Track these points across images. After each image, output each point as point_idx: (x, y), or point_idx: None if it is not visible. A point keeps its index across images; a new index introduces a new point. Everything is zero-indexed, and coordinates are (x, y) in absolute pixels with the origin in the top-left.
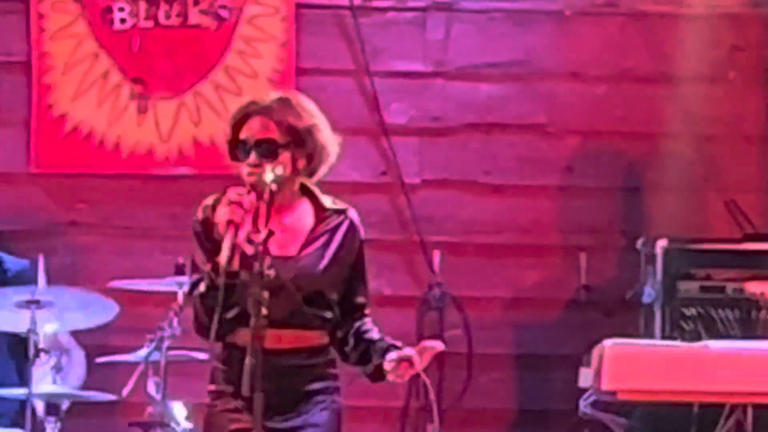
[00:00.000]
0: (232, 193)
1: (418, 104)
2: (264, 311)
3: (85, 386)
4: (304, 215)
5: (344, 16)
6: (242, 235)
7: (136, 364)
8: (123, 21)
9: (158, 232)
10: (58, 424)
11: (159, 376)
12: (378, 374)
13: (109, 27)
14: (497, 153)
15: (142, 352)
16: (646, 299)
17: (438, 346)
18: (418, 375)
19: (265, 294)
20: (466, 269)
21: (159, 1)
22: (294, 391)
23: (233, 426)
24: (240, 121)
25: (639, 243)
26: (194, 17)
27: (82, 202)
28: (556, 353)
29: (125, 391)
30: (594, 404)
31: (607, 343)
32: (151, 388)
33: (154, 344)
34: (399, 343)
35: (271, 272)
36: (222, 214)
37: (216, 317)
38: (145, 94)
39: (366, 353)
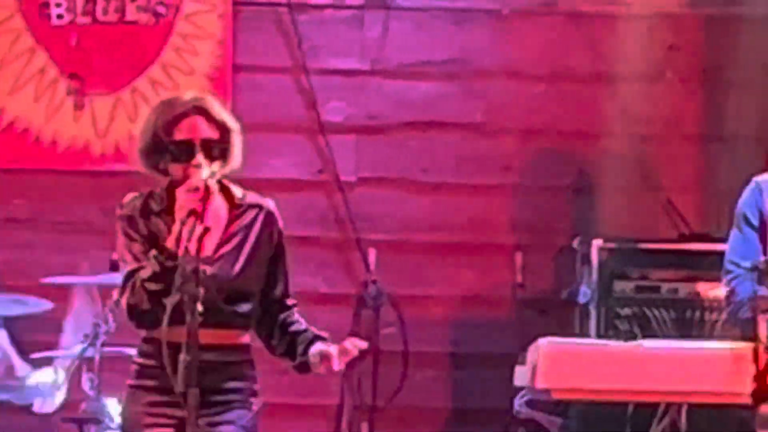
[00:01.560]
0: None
1: (355, 102)
2: (199, 307)
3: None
4: (218, 211)
5: (282, 13)
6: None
7: (70, 360)
8: (60, 17)
9: (94, 227)
10: None
11: (93, 372)
12: (304, 367)
13: (47, 22)
14: (435, 151)
15: (77, 349)
16: (581, 298)
17: (361, 345)
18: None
19: (201, 290)
20: (402, 267)
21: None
22: (210, 388)
23: (148, 420)
24: (173, 119)
25: (575, 242)
26: (132, 14)
27: (18, 197)
28: (492, 352)
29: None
30: (529, 403)
31: (542, 341)
32: (86, 384)
33: (88, 341)
34: (324, 334)
35: (207, 269)
36: (183, 203)
37: (170, 300)
38: (82, 90)
39: (292, 345)
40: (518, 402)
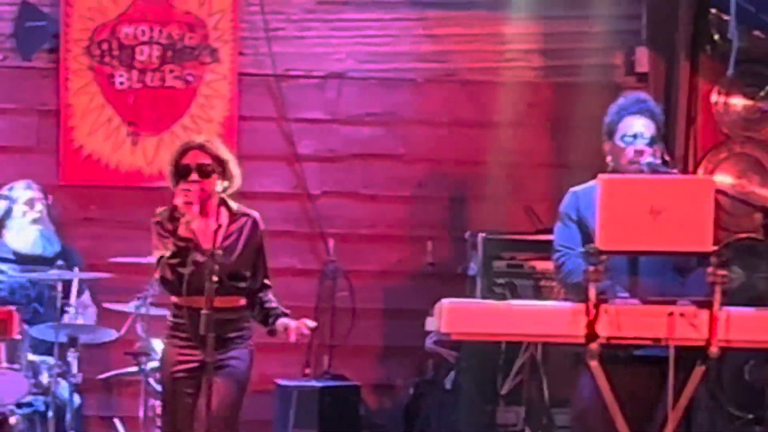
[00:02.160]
0: (184, 195)
1: (319, 141)
2: (215, 278)
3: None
4: (222, 218)
5: (270, 81)
6: (192, 215)
7: (129, 313)
8: (122, 83)
9: (143, 225)
10: (77, 353)
11: (144, 321)
12: (272, 333)
13: (113, 87)
14: (372, 174)
15: (132, 305)
16: (470, 273)
17: (311, 325)
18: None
19: (216, 267)
20: (350, 251)
21: (146, 71)
22: (222, 335)
23: (179, 358)
24: (183, 152)
25: (467, 235)
26: (170, 81)
27: (93, 204)
28: (410, 308)
29: (122, 330)
30: (435, 342)
31: (445, 301)
32: (140, 330)
33: (141, 300)
34: (288, 311)
35: (220, 251)
36: (181, 200)
37: (186, 270)
38: (137, 133)
39: (266, 317)
40: (428, 341)
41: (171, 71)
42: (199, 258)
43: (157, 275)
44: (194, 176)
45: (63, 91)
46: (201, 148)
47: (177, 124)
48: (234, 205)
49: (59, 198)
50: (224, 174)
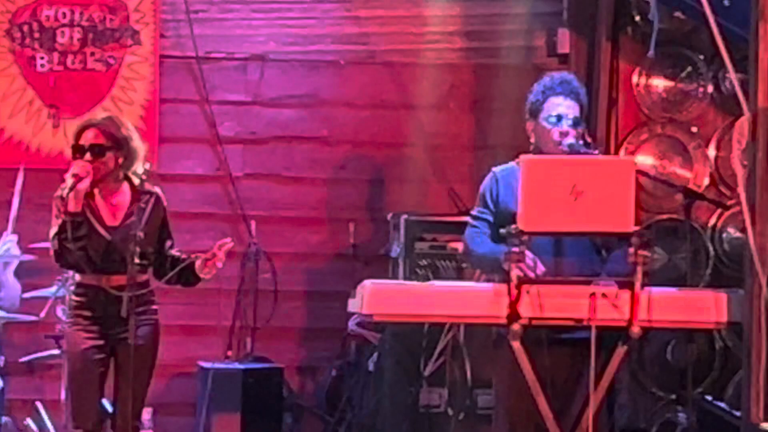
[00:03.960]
0: (75, 167)
1: (241, 123)
2: (136, 260)
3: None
4: (125, 195)
5: (192, 63)
6: (82, 186)
7: (49, 297)
8: (42, 66)
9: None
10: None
11: (65, 305)
12: (194, 277)
13: (34, 70)
14: (294, 156)
15: (53, 289)
16: (393, 254)
17: (229, 243)
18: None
19: (137, 249)
20: (273, 233)
21: (67, 53)
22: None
23: (88, 343)
24: (80, 132)
25: (389, 216)
26: (91, 63)
27: (11, 186)
28: (333, 289)
29: (42, 314)
30: (358, 324)
31: (367, 282)
32: (60, 313)
33: (61, 283)
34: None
35: (141, 234)
36: (69, 173)
37: (73, 245)
38: (58, 116)
39: (176, 264)
40: (351, 323)
41: (92, 54)
42: (102, 234)
43: (51, 252)
44: (87, 156)
45: None
46: (97, 127)
47: (98, 107)
48: (137, 181)
49: None
50: (122, 151)
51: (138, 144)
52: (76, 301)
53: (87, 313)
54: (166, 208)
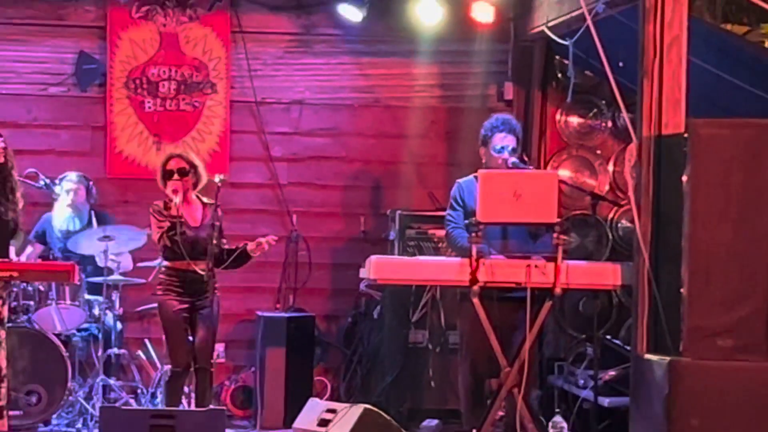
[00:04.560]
0: (172, 185)
1: (286, 147)
2: (215, 249)
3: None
4: (197, 204)
5: (252, 105)
6: (179, 198)
7: (154, 267)
8: (149, 107)
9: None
10: (119, 293)
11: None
12: (244, 260)
13: (143, 110)
14: (323, 170)
15: (157, 262)
16: (390, 238)
17: (272, 240)
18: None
19: (215, 241)
20: (308, 223)
21: (166, 99)
22: (203, 289)
23: (178, 307)
24: (166, 161)
25: (388, 212)
26: (183, 106)
27: (129, 191)
28: (350, 262)
29: (150, 278)
30: (367, 286)
31: (373, 257)
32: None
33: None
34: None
35: (214, 232)
36: (170, 190)
37: (179, 239)
38: (160, 142)
39: (231, 254)
40: (362, 285)
41: (183, 99)
42: (189, 232)
43: (159, 246)
44: (176, 176)
45: (108, 113)
46: (179, 157)
47: (188, 136)
48: (206, 199)
49: (106, 187)
50: (195, 173)
51: (202, 170)
52: (168, 279)
53: (177, 288)
54: (222, 213)
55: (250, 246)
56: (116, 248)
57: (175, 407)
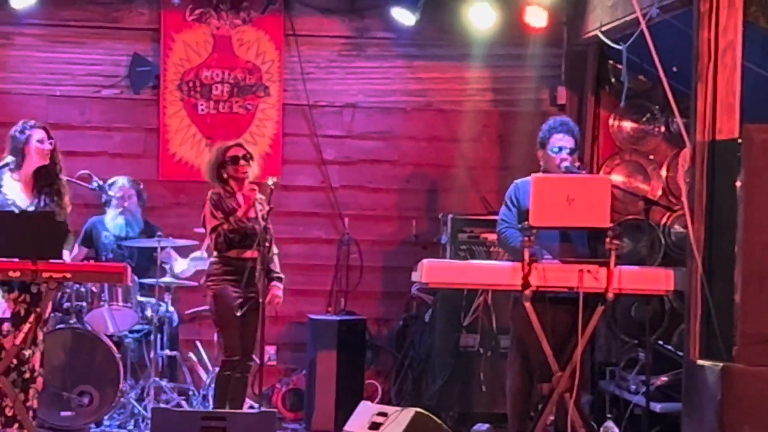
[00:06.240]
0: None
1: (339, 150)
2: (267, 243)
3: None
4: (252, 197)
5: (305, 109)
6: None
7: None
8: (202, 110)
9: None
10: (171, 295)
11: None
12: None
13: (196, 112)
14: (374, 173)
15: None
16: (442, 242)
17: (279, 299)
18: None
19: (268, 235)
20: (361, 227)
21: (219, 101)
22: (252, 281)
23: (235, 295)
24: (225, 150)
25: (440, 216)
26: (236, 108)
27: (182, 193)
28: (402, 266)
29: (202, 281)
30: (419, 289)
31: (425, 260)
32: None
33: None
34: (282, 276)
35: (271, 227)
36: (240, 173)
37: (236, 238)
38: (213, 144)
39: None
40: (414, 288)
41: (236, 102)
42: (246, 223)
43: (213, 237)
44: (242, 162)
45: (162, 116)
46: (238, 145)
47: (241, 138)
48: (259, 193)
49: (158, 190)
50: (253, 162)
51: (255, 162)
52: (224, 270)
53: (233, 277)
54: (270, 210)
55: (267, 296)
56: (179, 268)
57: (226, 400)
